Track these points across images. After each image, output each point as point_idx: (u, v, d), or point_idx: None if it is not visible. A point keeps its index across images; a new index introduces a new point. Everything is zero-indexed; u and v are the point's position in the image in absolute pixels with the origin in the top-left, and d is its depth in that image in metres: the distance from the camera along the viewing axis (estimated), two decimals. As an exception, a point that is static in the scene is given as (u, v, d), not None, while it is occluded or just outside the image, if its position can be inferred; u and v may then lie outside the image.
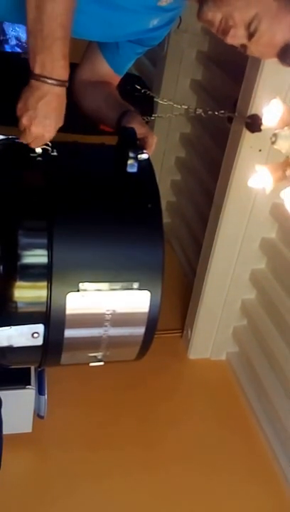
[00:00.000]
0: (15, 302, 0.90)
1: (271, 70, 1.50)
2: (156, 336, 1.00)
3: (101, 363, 1.04)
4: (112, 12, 1.02)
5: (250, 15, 0.94)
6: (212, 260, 1.86)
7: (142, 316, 0.97)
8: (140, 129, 1.04)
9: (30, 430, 1.61)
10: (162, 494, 1.59)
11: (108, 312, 0.95)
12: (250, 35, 0.96)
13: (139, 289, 0.94)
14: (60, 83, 0.90)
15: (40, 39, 0.87)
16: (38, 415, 1.63)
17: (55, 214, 0.91)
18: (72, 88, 1.19)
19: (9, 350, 0.95)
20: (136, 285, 0.93)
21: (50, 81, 0.89)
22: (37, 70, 0.89)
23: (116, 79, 1.21)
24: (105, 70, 1.19)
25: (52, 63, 0.88)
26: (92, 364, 1.05)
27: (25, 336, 0.93)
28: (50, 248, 0.89)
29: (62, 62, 0.89)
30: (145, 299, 0.95)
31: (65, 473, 1.59)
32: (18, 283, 0.89)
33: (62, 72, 0.90)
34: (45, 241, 0.89)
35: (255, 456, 1.75)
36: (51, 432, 1.67)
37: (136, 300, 0.95)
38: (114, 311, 0.95)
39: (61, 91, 0.91)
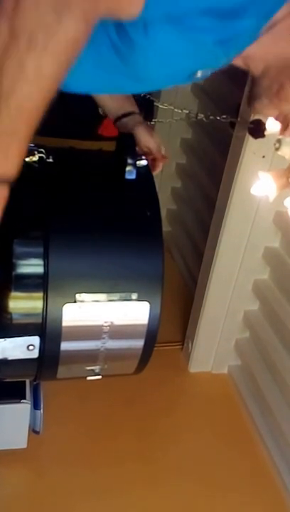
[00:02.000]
0: (10, 313, 0.88)
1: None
2: (155, 348, 0.98)
3: (99, 377, 1.02)
4: (139, 84, 0.90)
5: None
6: (213, 270, 1.83)
7: (141, 328, 0.95)
8: (148, 141, 0.98)
9: (25, 446, 1.58)
10: (162, 512, 1.55)
11: (106, 324, 0.92)
12: None
13: (138, 299, 0.92)
14: (10, 179, 0.71)
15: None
16: (33, 430, 1.60)
17: (51, 222, 0.89)
18: None
19: (3, 363, 0.92)
20: (134, 296, 0.91)
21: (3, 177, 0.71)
22: None
23: None
24: None
25: (11, 164, 0.69)
26: (89, 378, 1.02)
27: (20, 348, 0.90)
28: (46, 257, 0.87)
29: (19, 159, 0.69)
30: (144, 311, 0.93)
31: (61, 491, 1.55)
32: (13, 293, 0.87)
33: (15, 170, 0.70)
34: (40, 250, 0.87)
35: (258, 472, 1.71)
36: (47, 448, 1.64)
37: (134, 311, 0.93)
38: (112, 322, 0.93)
39: (8, 188, 0.73)
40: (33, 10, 0.59)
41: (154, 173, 0.98)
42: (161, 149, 1.09)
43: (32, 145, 0.93)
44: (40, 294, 0.87)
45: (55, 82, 0.64)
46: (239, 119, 1.62)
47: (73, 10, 0.61)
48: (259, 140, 1.56)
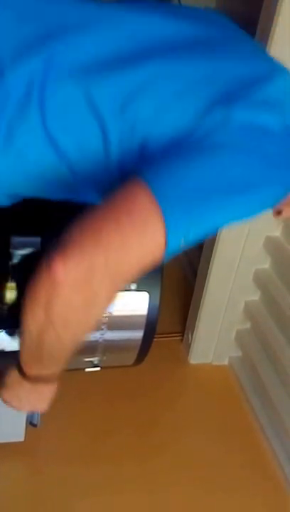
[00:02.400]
0: (7, 304, 0.87)
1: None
2: (154, 339, 0.99)
3: (98, 369, 1.02)
4: None
5: None
6: (213, 260, 1.81)
7: (140, 319, 0.95)
8: None
9: (22, 439, 1.57)
10: (162, 511, 1.53)
11: (104, 315, 0.92)
12: None
13: (137, 290, 0.91)
14: (56, 377, 0.86)
15: (53, 360, 0.78)
16: (30, 423, 1.57)
17: (48, 212, 0.88)
18: None
19: (1, 354, 0.93)
20: (133, 286, 0.91)
21: (51, 380, 0.86)
22: (34, 373, 0.82)
23: None
24: None
25: (56, 370, 0.82)
26: (88, 370, 1.03)
27: (17, 339, 0.89)
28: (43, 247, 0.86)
29: (63, 367, 0.82)
30: (143, 301, 0.93)
31: (59, 485, 1.54)
32: (10, 284, 0.86)
33: (59, 372, 0.84)
34: (38, 240, 0.86)
35: (258, 463, 1.70)
36: (45, 442, 1.63)
37: (133, 302, 0.93)
38: (110, 313, 0.93)
39: (56, 383, 0.89)
40: (65, 305, 0.66)
41: None
42: None
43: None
44: (38, 285, 0.86)
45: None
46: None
47: (101, 295, 0.67)
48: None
